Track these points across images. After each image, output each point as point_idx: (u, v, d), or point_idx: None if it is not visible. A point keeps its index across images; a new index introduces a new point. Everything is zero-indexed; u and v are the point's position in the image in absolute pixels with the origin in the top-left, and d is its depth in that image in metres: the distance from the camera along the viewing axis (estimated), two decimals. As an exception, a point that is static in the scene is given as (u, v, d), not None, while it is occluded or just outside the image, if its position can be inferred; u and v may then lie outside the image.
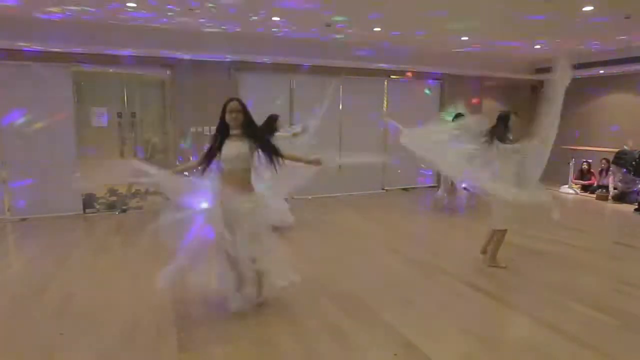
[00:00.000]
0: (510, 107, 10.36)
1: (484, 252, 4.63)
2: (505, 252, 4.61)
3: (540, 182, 4.20)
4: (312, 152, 3.90)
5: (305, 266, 4.53)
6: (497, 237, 4.41)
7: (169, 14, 5.66)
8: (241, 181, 3.32)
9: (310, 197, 7.86)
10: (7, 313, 3.49)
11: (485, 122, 4.48)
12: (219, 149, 3.29)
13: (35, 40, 6.06)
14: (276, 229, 3.82)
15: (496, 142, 4.26)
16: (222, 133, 3.32)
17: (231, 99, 3.32)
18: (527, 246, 4.84)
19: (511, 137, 4.29)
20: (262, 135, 3.43)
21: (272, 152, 3.37)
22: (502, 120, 4.32)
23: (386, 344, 3.00)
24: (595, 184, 8.74)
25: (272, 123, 5.61)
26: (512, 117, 4.30)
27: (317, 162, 3.56)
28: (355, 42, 7.60)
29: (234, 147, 3.27)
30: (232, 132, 3.31)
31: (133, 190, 7.37)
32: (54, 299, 3.70)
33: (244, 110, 3.30)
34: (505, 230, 4.38)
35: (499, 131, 4.29)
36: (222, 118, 3.30)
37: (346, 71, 8.41)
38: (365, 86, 8.78)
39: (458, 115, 6.62)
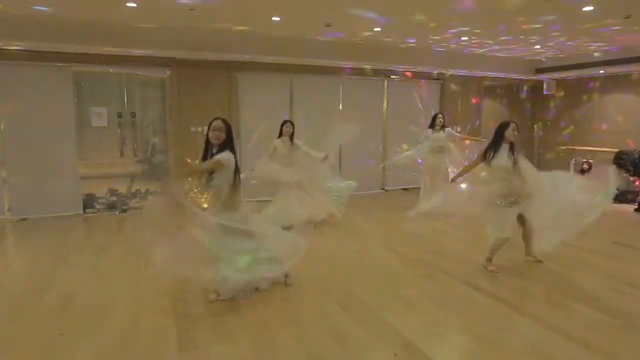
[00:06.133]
0: (511, 107, 10.50)
1: (528, 254, 4.66)
2: (505, 252, 4.61)
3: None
4: None
5: (305, 265, 4.54)
6: (496, 243, 4.38)
7: (169, 16, 5.67)
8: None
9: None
10: (8, 313, 3.49)
11: None
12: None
13: (35, 40, 6.05)
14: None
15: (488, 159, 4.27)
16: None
17: (217, 118, 3.56)
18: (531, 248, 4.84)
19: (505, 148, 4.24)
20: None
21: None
22: (498, 129, 4.30)
23: (386, 344, 2.99)
24: (595, 184, 8.73)
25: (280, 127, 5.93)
26: (512, 125, 4.22)
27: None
28: (355, 42, 7.60)
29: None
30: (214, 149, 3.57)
31: (133, 190, 7.37)
32: (54, 299, 3.70)
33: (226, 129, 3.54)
34: (505, 239, 4.35)
35: (489, 146, 4.31)
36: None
37: (346, 71, 8.42)
38: (365, 86, 8.78)
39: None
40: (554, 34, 6.85)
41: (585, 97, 9.58)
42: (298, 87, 8.20)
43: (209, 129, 3.51)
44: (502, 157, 4.20)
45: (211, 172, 3.47)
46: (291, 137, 5.83)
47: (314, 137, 8.17)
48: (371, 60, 8.12)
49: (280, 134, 5.84)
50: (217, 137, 3.48)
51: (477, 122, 9.76)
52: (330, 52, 7.65)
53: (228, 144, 3.53)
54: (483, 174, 4.44)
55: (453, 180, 4.73)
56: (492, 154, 4.24)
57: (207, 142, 3.57)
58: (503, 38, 7.21)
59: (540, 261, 4.61)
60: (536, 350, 2.93)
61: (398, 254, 5.02)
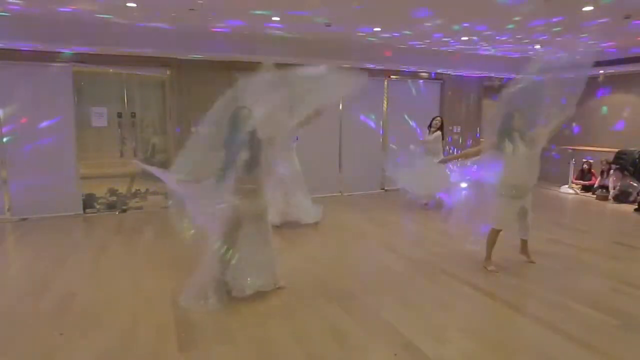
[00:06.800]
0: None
1: (522, 252, 4.66)
2: (505, 252, 4.62)
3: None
4: None
5: (305, 266, 4.54)
6: (490, 236, 4.40)
7: (172, 14, 5.67)
8: (260, 185, 3.58)
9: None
10: (7, 313, 3.49)
11: None
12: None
13: (35, 40, 6.05)
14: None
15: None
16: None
17: (242, 107, 3.55)
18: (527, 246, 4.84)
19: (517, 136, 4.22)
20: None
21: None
22: (503, 122, 4.27)
23: (386, 344, 2.99)
24: (595, 184, 8.74)
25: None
26: (516, 115, 4.22)
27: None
28: (355, 42, 7.59)
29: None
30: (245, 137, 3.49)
31: (133, 190, 7.37)
32: (54, 299, 3.70)
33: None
34: (499, 231, 4.38)
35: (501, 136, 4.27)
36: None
37: (346, 71, 8.40)
38: (365, 86, 8.76)
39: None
40: (554, 34, 6.84)
41: (585, 97, 9.56)
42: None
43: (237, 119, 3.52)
44: (518, 146, 4.14)
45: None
46: None
47: (314, 137, 8.20)
48: (371, 60, 8.11)
49: None
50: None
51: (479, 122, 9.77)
52: (330, 52, 7.65)
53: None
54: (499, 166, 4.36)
55: (442, 161, 4.65)
56: (507, 143, 4.15)
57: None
58: (503, 38, 7.21)
59: (532, 261, 4.60)
60: (536, 350, 2.93)
61: (398, 254, 5.02)
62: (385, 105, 9.03)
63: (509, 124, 4.18)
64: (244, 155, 3.45)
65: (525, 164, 4.16)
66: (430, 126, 7.26)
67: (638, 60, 7.76)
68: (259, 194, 3.59)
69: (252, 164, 3.48)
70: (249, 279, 3.60)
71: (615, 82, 9.01)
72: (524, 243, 4.64)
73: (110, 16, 5.70)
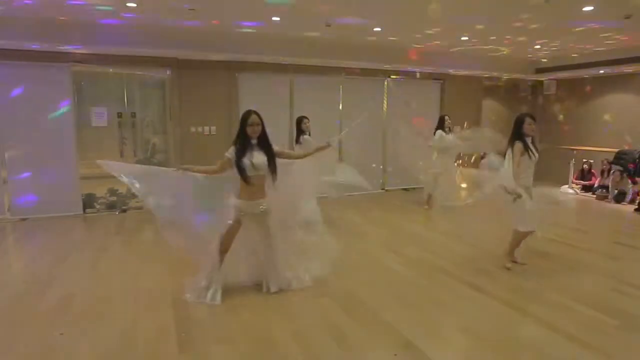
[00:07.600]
0: (511, 107, 10.49)
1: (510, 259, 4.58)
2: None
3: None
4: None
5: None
6: (516, 236, 4.39)
7: (171, 16, 5.67)
8: (262, 186, 3.66)
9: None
10: (7, 313, 3.49)
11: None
12: (242, 157, 3.53)
13: (35, 40, 6.05)
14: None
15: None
16: (244, 143, 3.57)
17: (252, 112, 3.59)
18: (527, 246, 4.84)
19: (529, 141, 4.24)
20: (271, 146, 3.68)
21: (274, 164, 3.66)
22: (515, 125, 4.30)
23: (386, 344, 2.99)
24: (595, 184, 8.74)
25: (299, 124, 5.90)
26: (527, 120, 4.23)
27: (325, 147, 4.11)
28: (355, 42, 7.59)
29: (260, 156, 3.57)
30: (252, 141, 3.58)
31: (133, 190, 7.36)
32: (54, 299, 3.70)
33: (262, 122, 3.60)
34: (527, 233, 4.35)
35: (511, 136, 4.29)
36: (244, 129, 3.56)
37: (346, 71, 8.42)
38: (365, 86, 8.78)
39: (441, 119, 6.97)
40: (555, 34, 6.85)
41: (585, 97, 9.58)
42: (298, 87, 8.20)
43: (245, 124, 3.55)
44: (534, 150, 4.23)
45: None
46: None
47: (314, 137, 8.20)
48: (371, 60, 8.12)
49: (302, 132, 5.84)
50: (255, 131, 3.56)
51: (486, 123, 9.75)
52: (330, 52, 7.65)
53: (264, 136, 3.64)
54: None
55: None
56: (528, 148, 4.19)
57: (245, 137, 3.56)
58: (503, 38, 7.21)
59: (523, 263, 4.55)
60: (536, 350, 2.93)
61: (398, 254, 5.01)
62: (385, 105, 9.02)
63: (520, 129, 4.23)
64: (251, 159, 3.54)
65: (532, 168, 4.26)
66: (443, 127, 6.91)
67: (637, 60, 7.76)
68: (261, 196, 3.67)
69: (258, 168, 3.57)
70: (244, 276, 3.86)
71: (615, 82, 9.01)
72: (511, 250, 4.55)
73: (110, 7, 5.62)
